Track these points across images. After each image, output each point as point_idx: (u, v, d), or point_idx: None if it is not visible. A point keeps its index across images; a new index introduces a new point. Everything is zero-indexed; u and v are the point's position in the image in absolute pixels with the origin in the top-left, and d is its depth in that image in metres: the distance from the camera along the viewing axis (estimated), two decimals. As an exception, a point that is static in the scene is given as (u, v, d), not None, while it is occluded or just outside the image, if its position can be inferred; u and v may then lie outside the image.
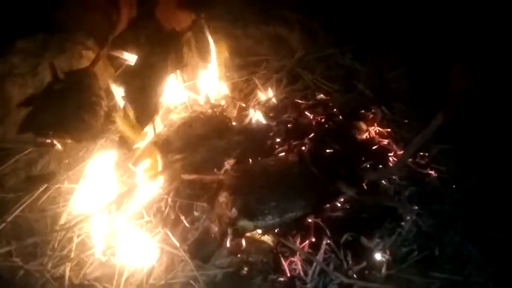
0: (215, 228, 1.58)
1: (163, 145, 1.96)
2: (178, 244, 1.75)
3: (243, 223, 1.60)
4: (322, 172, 1.79)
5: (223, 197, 1.67)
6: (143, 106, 2.00)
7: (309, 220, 1.79)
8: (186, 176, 1.78)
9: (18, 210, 1.96)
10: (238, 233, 1.63)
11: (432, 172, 2.06)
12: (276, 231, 1.74)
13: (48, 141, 2.00)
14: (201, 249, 1.58)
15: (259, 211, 1.63)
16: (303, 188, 1.74)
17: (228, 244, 1.67)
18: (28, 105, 2.02)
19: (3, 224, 1.90)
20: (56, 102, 2.02)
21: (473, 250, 1.80)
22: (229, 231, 1.59)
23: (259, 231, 1.70)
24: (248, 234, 1.70)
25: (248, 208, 1.62)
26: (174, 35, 2.40)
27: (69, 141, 2.07)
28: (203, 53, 2.55)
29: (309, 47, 2.60)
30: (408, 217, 1.86)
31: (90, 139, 2.11)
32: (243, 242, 1.75)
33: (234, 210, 1.60)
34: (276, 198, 1.67)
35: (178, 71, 2.35)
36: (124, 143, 1.93)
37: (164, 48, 2.27)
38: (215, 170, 1.87)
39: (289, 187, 1.73)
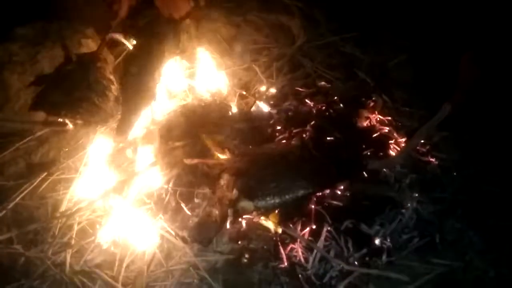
0: (215, 212, 1.57)
1: (163, 132, 1.96)
2: (178, 232, 1.76)
3: (244, 204, 1.62)
4: (324, 156, 1.78)
5: (224, 180, 1.67)
6: (140, 92, 1.99)
7: (311, 206, 1.79)
8: (188, 161, 1.78)
9: (18, 198, 1.96)
10: (239, 214, 1.64)
11: (433, 160, 2.05)
12: (276, 212, 1.74)
13: (60, 120, 1.98)
14: (202, 232, 1.58)
15: (259, 191, 1.64)
16: (304, 169, 1.75)
17: (228, 226, 1.68)
18: (40, 84, 2.00)
19: (4, 212, 1.90)
20: (67, 83, 2.02)
21: (474, 236, 1.80)
22: (230, 212, 1.59)
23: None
24: (249, 217, 1.70)
25: (248, 189, 1.64)
26: (172, 22, 2.39)
27: (79, 122, 2.04)
28: (202, 41, 2.55)
29: (310, 35, 2.58)
30: (408, 205, 1.86)
31: (100, 121, 2.10)
32: (244, 225, 1.75)
33: (234, 191, 1.62)
34: (277, 179, 1.68)
35: (177, 58, 2.34)
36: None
37: (162, 34, 2.26)
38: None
39: (289, 168, 1.74)
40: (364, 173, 1.93)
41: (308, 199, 1.76)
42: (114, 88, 2.11)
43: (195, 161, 1.78)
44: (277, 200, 1.66)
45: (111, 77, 2.15)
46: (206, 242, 1.60)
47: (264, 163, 1.75)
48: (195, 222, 1.67)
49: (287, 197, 1.67)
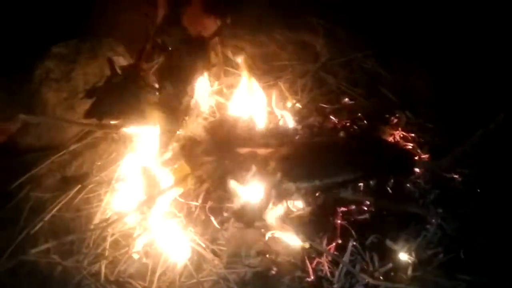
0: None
1: (192, 147, 2.03)
2: (208, 244, 1.82)
3: (286, 185, 1.71)
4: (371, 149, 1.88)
5: (269, 166, 1.76)
6: (174, 108, 2.06)
7: (337, 221, 1.84)
8: (240, 150, 1.86)
9: (54, 210, 2.04)
10: (281, 196, 1.73)
11: (457, 176, 2.08)
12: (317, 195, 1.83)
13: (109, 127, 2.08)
14: (246, 214, 1.67)
15: (301, 173, 1.74)
16: (346, 158, 1.84)
17: (271, 206, 1.76)
18: (91, 96, 2.10)
19: (42, 223, 1.99)
20: (116, 93, 2.09)
21: (499, 252, 1.82)
22: (273, 193, 1.69)
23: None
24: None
25: (292, 172, 1.73)
26: (201, 40, 2.46)
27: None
28: (228, 58, 2.63)
29: (333, 52, 2.64)
30: (433, 220, 1.89)
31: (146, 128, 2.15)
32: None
33: (278, 174, 1.71)
34: (319, 164, 1.78)
35: (205, 75, 2.41)
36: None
37: (192, 52, 2.33)
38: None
39: (332, 156, 1.84)
40: (388, 189, 1.98)
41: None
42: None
43: (246, 149, 1.86)
44: (317, 183, 1.74)
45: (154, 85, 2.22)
46: (250, 224, 1.69)
47: (309, 151, 1.86)
48: (240, 205, 1.76)
49: (327, 181, 1.75)
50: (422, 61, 2.57)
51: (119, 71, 2.21)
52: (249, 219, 1.67)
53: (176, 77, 2.18)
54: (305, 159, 1.79)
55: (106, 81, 2.20)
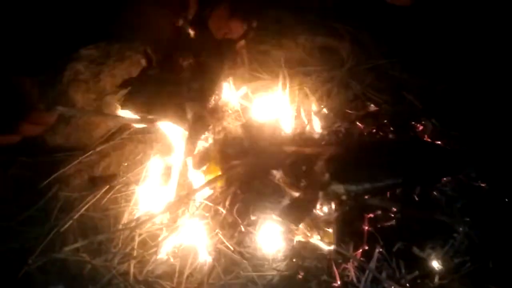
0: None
1: (221, 150, 2.05)
2: (235, 247, 1.84)
3: (335, 187, 1.72)
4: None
5: (317, 166, 1.77)
6: (201, 107, 2.08)
7: (364, 227, 1.84)
8: (287, 148, 1.89)
9: (83, 209, 2.08)
10: (329, 198, 1.74)
11: (484, 185, 2.07)
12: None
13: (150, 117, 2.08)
14: (293, 213, 1.68)
15: (350, 176, 1.74)
16: (396, 160, 1.84)
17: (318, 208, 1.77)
18: (126, 86, 2.11)
19: (71, 221, 2.02)
20: (151, 86, 2.09)
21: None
22: (320, 195, 1.70)
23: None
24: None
25: (340, 174, 1.74)
26: (228, 42, 2.48)
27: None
28: (254, 64, 2.65)
29: (358, 58, 2.64)
30: (460, 229, 1.89)
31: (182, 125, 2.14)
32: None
33: (326, 175, 1.72)
34: (368, 167, 1.79)
35: (230, 79, 2.44)
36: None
37: (219, 52, 2.35)
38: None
39: (381, 159, 1.84)
40: (415, 196, 1.97)
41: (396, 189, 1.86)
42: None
43: (293, 148, 1.89)
44: (366, 186, 1.74)
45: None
46: (297, 222, 1.70)
47: (358, 152, 1.87)
48: (288, 204, 1.78)
49: (376, 184, 1.76)
50: (449, 69, 2.57)
51: (154, 63, 2.22)
52: (297, 217, 1.66)
53: (204, 77, 2.20)
54: (354, 161, 1.79)
55: (142, 73, 2.20)
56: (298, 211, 1.69)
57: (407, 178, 1.81)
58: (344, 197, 1.76)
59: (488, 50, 2.52)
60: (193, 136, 1.97)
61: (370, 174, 1.75)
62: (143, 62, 2.64)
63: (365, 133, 2.20)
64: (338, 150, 1.84)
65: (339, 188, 1.72)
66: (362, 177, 1.74)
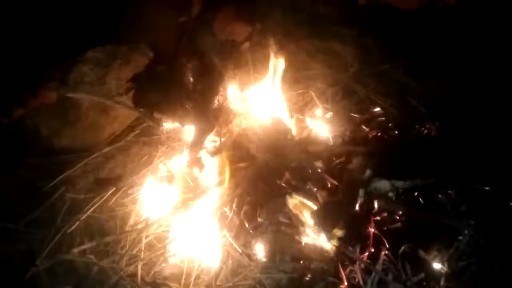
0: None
1: (228, 152, 2.06)
2: (243, 249, 1.85)
3: (377, 184, 1.68)
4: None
5: (353, 164, 1.73)
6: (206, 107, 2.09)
7: (370, 230, 1.85)
8: (312, 148, 1.87)
9: (90, 211, 2.08)
10: (371, 195, 1.69)
11: (488, 188, 2.09)
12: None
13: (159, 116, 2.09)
14: (329, 214, 1.65)
15: (396, 171, 1.68)
16: (438, 158, 1.81)
17: (357, 208, 1.72)
18: (134, 82, 2.11)
19: (77, 223, 2.03)
20: (160, 84, 2.10)
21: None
22: (361, 193, 1.65)
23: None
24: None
25: (385, 169, 1.69)
26: (232, 43, 2.50)
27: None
28: (258, 66, 2.66)
29: (363, 62, 2.67)
30: (465, 232, 1.90)
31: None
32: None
33: (368, 171, 1.67)
34: (411, 162, 1.74)
35: (235, 82, 2.45)
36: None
37: (223, 53, 2.36)
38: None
39: (422, 155, 1.79)
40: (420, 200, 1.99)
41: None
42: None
43: (321, 147, 1.89)
44: (416, 182, 1.70)
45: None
46: (330, 227, 1.65)
47: (398, 147, 1.84)
48: (322, 204, 1.73)
49: (423, 180, 1.72)
50: (452, 73, 2.59)
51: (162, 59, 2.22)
52: (330, 220, 1.63)
53: (208, 78, 2.21)
54: (398, 156, 1.74)
55: (150, 68, 2.20)
56: (333, 212, 1.63)
57: (451, 175, 1.77)
58: (390, 194, 1.71)
59: (491, 54, 2.55)
60: (198, 137, 1.98)
61: (415, 170, 1.68)
62: (150, 54, 2.64)
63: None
64: (375, 146, 1.78)
65: (384, 184, 1.66)
66: (409, 173, 1.67)
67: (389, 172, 1.68)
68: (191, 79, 2.26)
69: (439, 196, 2.01)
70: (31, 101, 1.54)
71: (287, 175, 2.01)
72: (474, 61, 2.57)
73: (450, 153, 1.85)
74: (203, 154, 2.05)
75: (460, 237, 1.88)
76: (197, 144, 1.96)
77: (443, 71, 2.63)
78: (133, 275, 1.84)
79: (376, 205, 1.75)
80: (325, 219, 1.67)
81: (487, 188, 2.08)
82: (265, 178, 1.98)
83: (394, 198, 1.75)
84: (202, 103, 2.12)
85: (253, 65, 2.65)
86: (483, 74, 2.52)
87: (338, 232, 1.77)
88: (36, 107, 1.66)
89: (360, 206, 1.72)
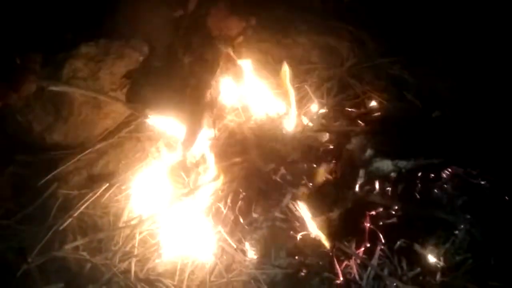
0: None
1: (221, 148, 2.04)
2: (237, 245, 1.83)
3: (380, 164, 1.61)
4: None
5: (352, 144, 1.67)
6: (201, 104, 2.06)
7: (365, 225, 1.84)
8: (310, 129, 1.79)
9: (82, 207, 2.06)
10: (372, 175, 1.63)
11: (484, 182, 2.07)
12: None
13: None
14: (328, 195, 1.61)
15: (399, 151, 1.61)
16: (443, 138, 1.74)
17: (357, 189, 1.66)
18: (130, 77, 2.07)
19: (70, 219, 2.00)
20: (154, 79, 2.08)
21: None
22: (362, 173, 1.60)
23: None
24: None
25: (388, 148, 1.62)
26: (226, 38, 2.47)
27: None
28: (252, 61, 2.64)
29: (359, 57, 2.65)
30: (461, 226, 1.89)
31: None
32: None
33: (369, 150, 1.60)
34: (416, 141, 1.67)
35: (229, 77, 2.43)
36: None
37: (216, 48, 2.34)
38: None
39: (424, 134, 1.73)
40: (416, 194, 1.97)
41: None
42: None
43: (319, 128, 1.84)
44: (419, 161, 1.62)
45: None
46: (331, 206, 1.61)
47: (398, 129, 1.73)
48: (314, 191, 1.68)
49: (428, 160, 1.65)
50: (448, 67, 2.58)
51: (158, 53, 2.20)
52: (331, 201, 1.57)
53: (201, 73, 2.18)
54: (401, 135, 1.65)
55: (146, 63, 2.17)
56: (332, 194, 1.58)
57: (456, 155, 1.70)
58: (393, 174, 1.64)
59: (488, 47, 2.54)
60: (191, 131, 1.96)
61: (419, 150, 1.61)
62: (146, 49, 2.62)
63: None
64: (372, 127, 1.71)
65: (386, 164, 1.60)
66: (412, 152, 1.60)
67: (392, 152, 1.61)
68: (185, 74, 2.25)
69: (435, 190, 2.01)
70: (10, 94, 1.52)
71: (282, 170, 1.98)
72: (471, 54, 2.55)
73: (453, 132, 1.80)
74: (196, 149, 2.02)
75: (456, 232, 1.88)
76: (190, 138, 1.93)
77: (439, 65, 2.62)
78: (127, 271, 1.82)
79: (377, 186, 1.68)
80: (321, 202, 1.61)
81: (483, 182, 2.07)
82: (260, 173, 1.95)
83: (396, 178, 1.68)
84: (196, 98, 2.09)
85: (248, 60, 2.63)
86: (480, 68, 2.50)
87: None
88: (15, 100, 1.64)
89: (360, 187, 1.66)
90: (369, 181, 1.66)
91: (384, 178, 1.67)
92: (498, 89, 2.39)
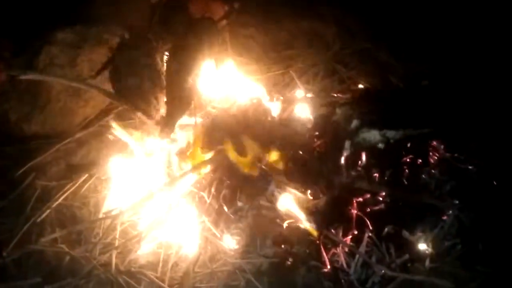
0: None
1: (205, 135, 1.98)
2: (221, 234, 1.78)
3: (366, 134, 1.54)
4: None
5: (337, 115, 1.60)
6: (182, 89, 1.99)
7: (352, 211, 1.80)
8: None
9: (61, 198, 1.99)
10: (359, 147, 1.55)
11: (472, 167, 2.05)
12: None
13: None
14: (311, 170, 1.54)
15: (386, 121, 1.53)
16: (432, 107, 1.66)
17: (343, 161, 1.58)
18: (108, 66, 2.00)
19: (48, 211, 1.93)
20: (121, 68, 2.01)
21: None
22: (347, 145, 1.53)
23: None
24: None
25: (375, 118, 1.54)
26: (208, 22, 2.40)
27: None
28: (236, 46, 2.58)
29: (344, 42, 2.60)
30: (450, 212, 1.86)
31: (145, 113, 2.04)
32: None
33: (355, 121, 1.53)
34: (403, 110, 1.59)
35: (213, 63, 2.36)
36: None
37: (199, 32, 2.26)
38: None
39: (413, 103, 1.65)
40: (404, 180, 1.94)
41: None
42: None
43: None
44: (410, 132, 1.55)
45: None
46: (316, 180, 1.55)
47: (383, 99, 1.66)
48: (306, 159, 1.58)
49: (415, 130, 1.58)
50: (434, 53, 2.54)
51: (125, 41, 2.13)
52: (315, 175, 1.50)
53: (182, 57, 2.11)
54: (380, 103, 1.58)
55: (123, 51, 2.10)
56: (316, 168, 1.51)
57: (445, 125, 1.64)
58: (380, 145, 1.56)
59: (475, 33, 2.51)
60: (170, 117, 1.89)
61: (407, 119, 1.54)
62: (126, 35, 2.53)
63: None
64: (357, 99, 1.64)
65: (373, 135, 1.53)
66: (401, 122, 1.52)
67: (379, 122, 1.54)
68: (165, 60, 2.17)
69: (423, 175, 1.98)
70: None
71: (267, 157, 1.93)
72: (457, 39, 2.52)
73: (443, 101, 1.74)
74: (177, 136, 1.96)
75: (445, 217, 1.85)
76: (168, 125, 1.86)
77: (426, 48, 2.58)
78: (107, 264, 1.76)
79: (363, 157, 1.61)
80: (306, 177, 1.55)
81: (471, 167, 2.05)
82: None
83: (384, 149, 1.60)
84: (177, 84, 2.01)
85: (232, 45, 2.56)
86: (466, 53, 2.47)
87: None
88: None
89: (346, 160, 1.58)
90: (355, 153, 1.58)
91: (372, 149, 1.59)
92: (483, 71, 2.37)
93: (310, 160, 1.60)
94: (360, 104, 1.61)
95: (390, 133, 1.56)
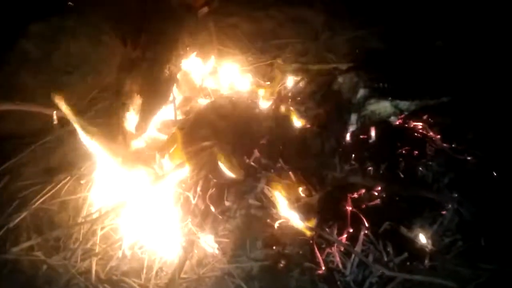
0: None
1: (189, 132, 1.87)
2: (208, 237, 1.67)
3: (376, 106, 1.39)
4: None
5: (339, 84, 1.42)
6: (158, 79, 1.88)
7: (347, 208, 1.71)
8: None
9: (38, 202, 1.87)
10: (367, 121, 1.40)
11: (470, 158, 1.96)
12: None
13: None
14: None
15: (399, 89, 1.37)
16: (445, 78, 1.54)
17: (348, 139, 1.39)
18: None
19: (23, 215, 1.81)
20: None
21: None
22: (353, 119, 1.38)
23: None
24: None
25: (385, 86, 1.39)
26: (187, 7, 2.27)
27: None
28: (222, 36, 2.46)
29: (333, 29, 2.50)
30: (449, 206, 1.78)
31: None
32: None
33: (361, 90, 1.37)
34: (417, 78, 1.45)
35: (196, 54, 2.24)
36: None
37: (178, 19, 2.13)
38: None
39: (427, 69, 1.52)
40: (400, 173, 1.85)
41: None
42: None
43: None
44: (427, 102, 1.40)
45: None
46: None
47: (400, 58, 1.55)
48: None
49: (432, 100, 1.42)
50: (425, 38, 2.45)
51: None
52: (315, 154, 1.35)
53: (158, 44, 1.98)
54: (401, 69, 1.43)
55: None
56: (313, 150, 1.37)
57: (460, 95, 1.47)
58: (392, 118, 1.40)
59: (466, 19, 2.41)
60: (145, 112, 1.77)
61: (423, 87, 1.38)
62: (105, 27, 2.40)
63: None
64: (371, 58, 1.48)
65: (383, 106, 1.37)
66: (416, 90, 1.36)
67: (390, 90, 1.38)
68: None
69: (420, 168, 1.89)
70: None
71: (256, 153, 1.83)
72: (450, 24, 2.42)
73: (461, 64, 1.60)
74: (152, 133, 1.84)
75: (444, 212, 1.78)
76: (144, 120, 1.74)
77: (417, 34, 2.48)
78: (87, 272, 1.65)
79: (373, 133, 1.43)
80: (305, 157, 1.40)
81: (470, 158, 1.96)
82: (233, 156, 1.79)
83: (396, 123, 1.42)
84: (151, 73, 1.89)
85: (216, 35, 2.44)
86: (461, 39, 2.38)
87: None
88: None
89: (352, 136, 1.42)
90: (362, 128, 1.39)
91: (383, 123, 1.41)
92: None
93: (309, 138, 1.42)
94: (367, 70, 1.43)
95: (404, 104, 1.40)
